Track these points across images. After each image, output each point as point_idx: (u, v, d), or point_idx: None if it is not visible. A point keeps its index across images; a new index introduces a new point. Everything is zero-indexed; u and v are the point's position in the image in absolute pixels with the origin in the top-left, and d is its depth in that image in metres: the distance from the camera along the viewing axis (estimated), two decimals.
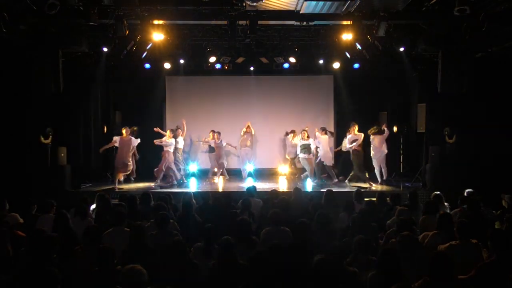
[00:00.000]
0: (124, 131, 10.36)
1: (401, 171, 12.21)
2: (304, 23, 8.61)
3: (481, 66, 9.35)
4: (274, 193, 7.72)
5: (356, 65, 12.15)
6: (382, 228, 5.65)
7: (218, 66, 12.27)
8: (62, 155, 10.03)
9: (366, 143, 10.78)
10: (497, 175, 8.95)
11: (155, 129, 11.10)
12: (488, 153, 9.49)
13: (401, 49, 9.68)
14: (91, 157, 11.54)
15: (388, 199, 6.87)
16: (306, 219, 4.97)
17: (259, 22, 8.65)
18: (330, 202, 6.55)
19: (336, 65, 12.00)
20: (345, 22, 8.70)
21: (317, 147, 11.13)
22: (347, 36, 8.89)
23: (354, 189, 7.94)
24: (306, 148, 10.97)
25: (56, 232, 4.73)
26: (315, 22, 8.78)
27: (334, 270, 3.53)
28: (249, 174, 11.72)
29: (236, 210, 6.17)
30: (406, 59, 10.48)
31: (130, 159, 10.38)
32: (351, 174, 10.74)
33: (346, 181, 10.81)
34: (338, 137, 13.56)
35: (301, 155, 11.10)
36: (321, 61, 12.06)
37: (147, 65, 11.96)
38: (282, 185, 10.98)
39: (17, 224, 5.75)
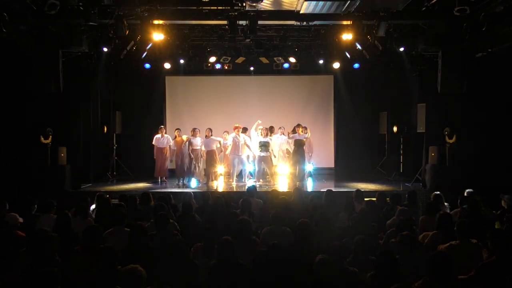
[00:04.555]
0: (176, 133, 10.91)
1: (401, 171, 12.21)
2: (304, 23, 8.61)
3: (481, 66, 9.34)
4: (274, 193, 7.72)
5: (356, 65, 12.16)
6: (382, 228, 5.64)
7: (218, 66, 12.28)
8: (62, 155, 10.03)
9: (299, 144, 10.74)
10: (497, 175, 8.95)
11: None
12: (488, 153, 9.48)
13: (401, 49, 9.67)
14: (91, 157, 11.54)
15: (388, 199, 6.86)
16: (306, 219, 4.96)
17: (259, 22, 8.65)
18: (330, 202, 6.55)
19: (336, 65, 12.01)
20: (345, 22, 8.69)
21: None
22: (347, 36, 8.88)
23: (354, 189, 7.92)
24: (264, 146, 10.72)
25: (57, 232, 4.72)
26: (315, 22, 8.78)
27: (334, 270, 3.53)
28: (250, 174, 11.69)
29: (236, 210, 6.17)
30: (406, 59, 10.48)
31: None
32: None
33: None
34: (339, 137, 13.60)
35: (258, 153, 10.80)
36: (321, 61, 12.07)
37: (147, 65, 11.99)
38: (282, 185, 10.95)
39: (17, 224, 5.74)
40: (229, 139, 10.98)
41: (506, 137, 9.31)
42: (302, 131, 10.71)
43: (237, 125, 10.88)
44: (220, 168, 11.27)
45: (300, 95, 13.49)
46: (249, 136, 11.12)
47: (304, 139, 10.77)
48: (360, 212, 5.50)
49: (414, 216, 5.66)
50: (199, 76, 13.16)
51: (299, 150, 10.68)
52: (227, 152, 10.99)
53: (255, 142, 10.96)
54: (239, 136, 10.75)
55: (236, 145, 10.77)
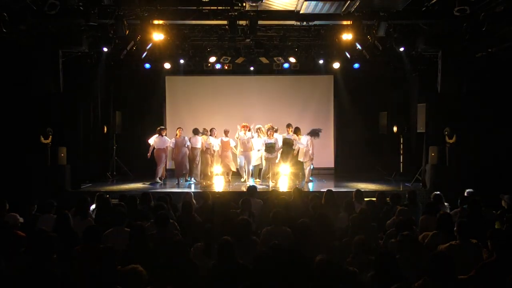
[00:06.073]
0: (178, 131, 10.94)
1: (401, 171, 12.21)
2: (304, 23, 8.61)
3: (481, 66, 9.34)
4: (274, 193, 7.71)
5: (356, 65, 12.16)
6: (382, 228, 5.65)
7: (218, 66, 12.27)
8: (62, 155, 10.02)
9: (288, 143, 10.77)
10: (497, 175, 8.95)
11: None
12: (488, 153, 9.48)
13: (401, 49, 9.66)
14: (91, 157, 11.54)
15: (388, 199, 6.86)
16: (306, 219, 4.97)
17: (259, 22, 8.65)
18: (330, 202, 6.55)
19: (336, 65, 12.00)
20: (345, 22, 8.69)
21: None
22: (347, 36, 8.88)
23: (354, 189, 7.93)
24: (271, 147, 10.71)
25: (57, 232, 4.72)
26: (315, 22, 8.78)
27: (334, 270, 3.53)
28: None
29: (236, 210, 6.17)
30: (406, 59, 10.48)
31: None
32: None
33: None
34: (338, 137, 13.60)
35: (264, 154, 10.83)
36: (321, 61, 12.06)
37: (147, 65, 12.00)
38: (282, 185, 10.94)
39: (17, 224, 5.74)
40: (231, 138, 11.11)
41: (506, 137, 9.31)
42: (291, 131, 10.82)
43: (245, 123, 10.97)
44: (216, 168, 11.30)
45: (300, 95, 13.49)
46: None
47: (292, 139, 10.79)
48: (360, 212, 5.50)
49: (414, 216, 5.66)
50: (199, 76, 13.15)
51: (287, 149, 10.72)
52: (237, 151, 11.08)
53: (259, 143, 11.08)
54: (246, 134, 10.85)
55: (243, 143, 10.87)
